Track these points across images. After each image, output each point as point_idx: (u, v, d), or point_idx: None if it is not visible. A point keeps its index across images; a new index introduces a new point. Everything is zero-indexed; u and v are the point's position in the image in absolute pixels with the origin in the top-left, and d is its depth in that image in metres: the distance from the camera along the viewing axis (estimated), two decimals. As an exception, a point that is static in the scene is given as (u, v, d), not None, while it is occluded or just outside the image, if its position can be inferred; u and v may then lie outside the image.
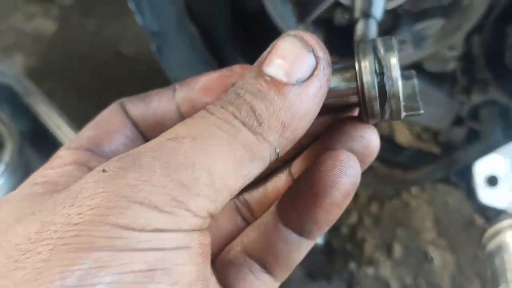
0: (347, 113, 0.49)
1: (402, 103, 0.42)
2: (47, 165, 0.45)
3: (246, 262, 0.49)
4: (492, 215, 1.15)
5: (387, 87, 0.42)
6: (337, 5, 1.27)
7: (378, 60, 0.42)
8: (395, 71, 0.42)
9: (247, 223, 0.52)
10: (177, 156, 0.37)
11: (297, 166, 0.51)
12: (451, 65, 1.33)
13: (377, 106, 0.43)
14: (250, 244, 0.49)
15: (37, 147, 1.75)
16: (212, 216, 0.38)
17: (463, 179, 1.40)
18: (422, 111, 0.44)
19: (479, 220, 1.90)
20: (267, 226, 0.49)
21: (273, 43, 0.43)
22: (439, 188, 2.01)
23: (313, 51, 0.41)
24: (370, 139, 0.47)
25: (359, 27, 1.12)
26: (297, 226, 0.47)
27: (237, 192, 0.39)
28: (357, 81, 0.43)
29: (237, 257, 0.49)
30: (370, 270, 1.84)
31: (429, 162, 1.46)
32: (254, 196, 0.52)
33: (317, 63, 0.41)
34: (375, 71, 0.42)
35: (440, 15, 1.28)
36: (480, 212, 1.26)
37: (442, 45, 1.26)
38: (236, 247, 0.50)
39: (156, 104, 0.49)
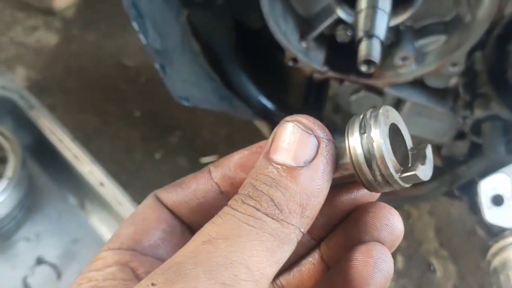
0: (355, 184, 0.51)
1: (389, 164, 0.44)
2: (91, 266, 0.47)
3: None
4: (497, 230, 1.16)
5: (370, 151, 0.44)
6: (339, 22, 1.28)
7: (364, 132, 0.45)
8: (376, 134, 0.44)
9: None
10: (215, 259, 0.39)
11: (326, 251, 0.52)
12: (454, 81, 1.34)
13: (366, 170, 0.45)
14: None
15: (39, 160, 1.75)
16: None
17: (466, 193, 1.40)
18: (423, 178, 0.45)
19: (481, 230, 1.90)
20: None
21: (274, 131, 0.45)
22: (441, 198, 2.01)
23: (313, 132, 0.44)
24: (395, 226, 0.48)
25: (363, 47, 1.14)
26: None
27: (273, 276, 0.41)
28: (349, 155, 0.46)
29: None
30: (373, 282, 1.84)
31: (434, 177, 1.46)
32: (289, 281, 0.53)
33: (319, 142, 0.44)
34: (361, 144, 0.45)
35: (442, 32, 1.29)
36: (484, 227, 1.26)
37: (445, 61, 1.27)
38: None
39: (195, 187, 0.51)
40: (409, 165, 0.46)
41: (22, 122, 1.75)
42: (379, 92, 1.38)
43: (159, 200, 0.51)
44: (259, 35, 1.42)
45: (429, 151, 0.46)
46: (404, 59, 1.29)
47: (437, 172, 1.53)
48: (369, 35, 1.08)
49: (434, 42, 1.30)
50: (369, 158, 0.45)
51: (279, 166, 0.43)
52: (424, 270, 1.89)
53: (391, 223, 0.48)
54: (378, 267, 0.45)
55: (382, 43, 1.09)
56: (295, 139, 0.44)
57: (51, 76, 2.13)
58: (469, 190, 1.34)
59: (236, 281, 0.38)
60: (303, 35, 1.32)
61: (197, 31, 1.39)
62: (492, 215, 1.06)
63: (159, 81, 1.35)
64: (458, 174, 1.37)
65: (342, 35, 1.29)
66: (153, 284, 0.38)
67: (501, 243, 1.11)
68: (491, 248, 1.13)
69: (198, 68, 1.41)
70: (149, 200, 0.51)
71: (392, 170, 0.44)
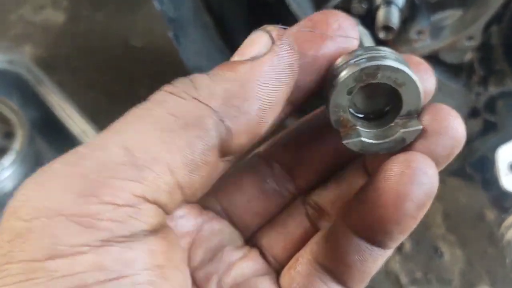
0: None
1: (330, 110, 0.41)
2: None
3: (317, 272, 0.44)
4: (509, 204, 1.15)
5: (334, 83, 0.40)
6: (355, -6, 1.27)
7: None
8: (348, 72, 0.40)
9: (317, 229, 0.48)
10: (90, 144, 0.34)
11: (370, 159, 0.45)
12: (469, 56, 1.32)
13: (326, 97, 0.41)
14: (320, 253, 0.45)
15: (47, 136, 1.75)
16: (157, 202, 0.34)
17: (478, 171, 1.39)
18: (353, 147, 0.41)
19: (490, 215, 1.89)
20: (337, 234, 0.43)
21: None
22: (449, 183, 2.00)
23: (269, 33, 0.39)
24: (455, 128, 0.41)
25: (381, 14, 1.13)
26: (368, 236, 0.42)
27: (192, 170, 0.35)
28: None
29: (307, 266, 0.45)
30: (380, 265, 1.84)
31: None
32: (325, 198, 0.48)
33: (273, 41, 0.38)
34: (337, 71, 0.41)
35: (458, 6, 1.28)
36: (495, 203, 1.25)
37: (461, 35, 1.26)
38: (305, 255, 0.46)
39: None
40: (356, 125, 0.41)
41: (29, 97, 1.74)
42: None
43: None
44: (272, 8, 1.41)
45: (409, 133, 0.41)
46: (419, 33, 1.28)
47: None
48: (387, 1, 1.07)
49: (450, 16, 1.29)
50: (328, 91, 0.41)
51: (223, 65, 0.38)
52: (431, 254, 1.89)
53: (451, 125, 0.40)
54: (417, 180, 0.38)
55: (400, 10, 1.08)
56: (249, 39, 0.39)
57: (58, 54, 2.12)
58: (482, 167, 1.33)
59: (107, 168, 0.32)
60: (318, 7, 1.31)
61: (209, 4, 1.38)
62: (508, 182, 1.05)
63: (165, 62, 1.34)
64: (470, 150, 1.35)
65: (357, 8, 1.28)
66: None
67: (516, 215, 1.10)
68: (505, 221, 1.12)
69: (210, 41, 1.40)
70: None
71: (331, 116, 0.41)
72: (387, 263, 1.86)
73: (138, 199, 0.33)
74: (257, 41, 0.38)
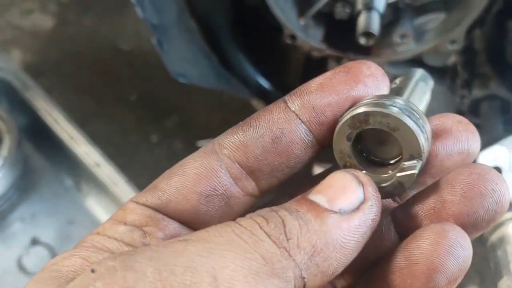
0: None
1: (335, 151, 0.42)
2: (110, 219, 0.42)
3: None
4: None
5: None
6: (338, -2, 1.27)
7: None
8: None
9: None
10: (177, 259, 0.33)
11: (402, 218, 0.43)
12: (452, 59, 1.33)
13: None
14: None
15: (35, 141, 1.74)
16: None
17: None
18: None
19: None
20: None
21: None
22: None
23: (362, 186, 0.38)
24: (502, 193, 0.39)
25: (362, 20, 1.13)
26: None
27: None
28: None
29: None
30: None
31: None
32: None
33: (365, 198, 0.37)
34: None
35: (441, 9, 1.28)
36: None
37: (443, 39, 1.26)
38: None
39: (269, 118, 0.42)
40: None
41: (17, 103, 1.74)
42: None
43: (219, 147, 0.43)
44: (257, 13, 1.41)
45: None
46: (402, 36, 1.28)
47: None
48: (368, 7, 1.07)
49: (433, 20, 1.29)
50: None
51: (310, 203, 0.37)
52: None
53: (498, 189, 0.38)
54: (453, 253, 0.36)
55: (381, 16, 1.08)
56: (340, 183, 0.38)
57: (46, 59, 2.11)
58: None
59: None
60: (301, 12, 1.31)
61: (194, 8, 1.38)
62: (490, 187, 1.05)
63: (154, 65, 1.34)
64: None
65: (340, 12, 1.28)
66: (92, 271, 0.32)
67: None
68: (489, 224, 1.12)
69: (195, 46, 1.40)
70: (206, 148, 0.43)
71: (338, 161, 0.42)
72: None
73: None
74: (349, 190, 0.37)
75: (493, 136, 1.26)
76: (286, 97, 0.43)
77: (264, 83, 1.49)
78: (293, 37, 1.32)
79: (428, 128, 0.41)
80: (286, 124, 0.42)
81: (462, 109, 1.38)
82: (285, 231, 0.35)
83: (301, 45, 1.33)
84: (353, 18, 1.20)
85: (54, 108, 1.70)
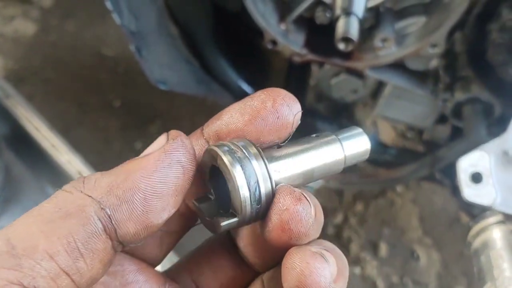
0: None
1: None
2: None
3: None
4: (477, 212, 1.15)
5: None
6: (318, 3, 1.26)
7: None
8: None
9: None
10: None
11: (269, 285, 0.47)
12: (434, 63, 1.32)
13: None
14: None
15: (16, 150, 1.72)
16: None
17: (448, 177, 1.39)
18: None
19: (464, 218, 1.89)
20: None
21: None
22: (424, 186, 2.00)
23: (167, 135, 0.42)
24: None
25: (340, 25, 1.12)
26: None
27: (77, 258, 0.36)
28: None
29: None
30: (357, 270, 1.83)
31: (413, 160, 1.45)
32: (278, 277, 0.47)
33: (168, 141, 0.41)
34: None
35: (421, 13, 1.28)
36: (465, 209, 1.25)
37: (425, 42, 1.25)
38: None
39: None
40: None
41: (-2, 111, 1.72)
42: (359, 75, 1.37)
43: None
44: (238, 19, 1.40)
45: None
46: (384, 40, 1.28)
47: (418, 155, 1.52)
48: (347, 12, 1.06)
49: (414, 24, 1.28)
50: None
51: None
52: (407, 258, 1.88)
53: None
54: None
55: (360, 21, 1.07)
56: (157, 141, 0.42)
57: (29, 66, 2.09)
58: (451, 174, 1.33)
59: None
60: (282, 17, 1.30)
61: (174, 14, 1.36)
62: (471, 193, 1.04)
63: (138, 71, 1.32)
64: (438, 157, 1.35)
65: (321, 16, 1.27)
66: None
67: (482, 223, 1.09)
68: (472, 229, 1.11)
69: (175, 52, 1.39)
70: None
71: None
72: (363, 268, 1.85)
73: (13, 286, 0.34)
74: (156, 142, 0.41)
75: (476, 140, 1.26)
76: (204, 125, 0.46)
77: (246, 88, 1.47)
78: (274, 42, 1.31)
79: (265, 190, 0.41)
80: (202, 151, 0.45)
81: (445, 112, 1.38)
82: (82, 181, 0.38)
83: (282, 51, 1.32)
84: (334, 22, 1.19)
85: (36, 116, 1.68)
